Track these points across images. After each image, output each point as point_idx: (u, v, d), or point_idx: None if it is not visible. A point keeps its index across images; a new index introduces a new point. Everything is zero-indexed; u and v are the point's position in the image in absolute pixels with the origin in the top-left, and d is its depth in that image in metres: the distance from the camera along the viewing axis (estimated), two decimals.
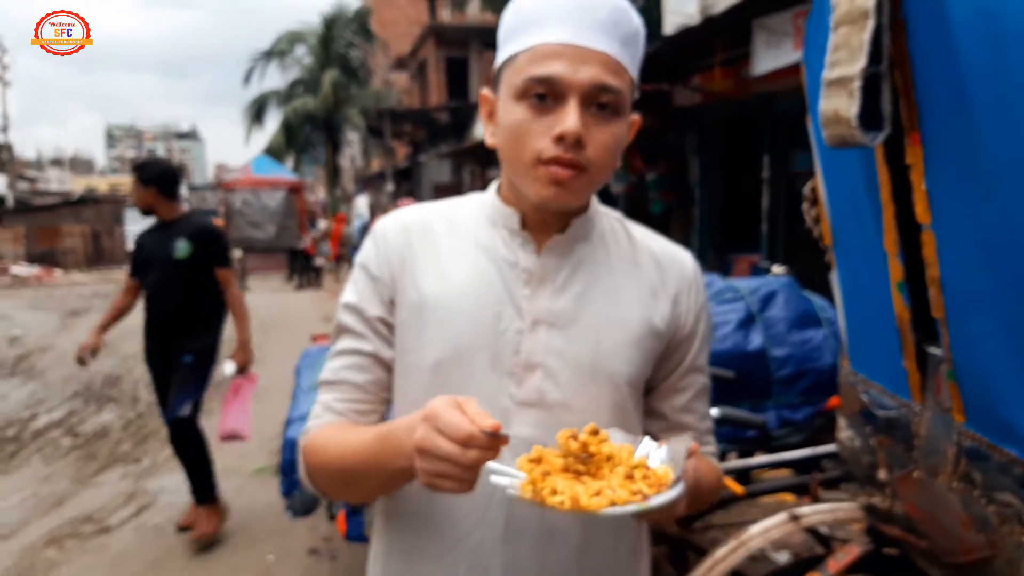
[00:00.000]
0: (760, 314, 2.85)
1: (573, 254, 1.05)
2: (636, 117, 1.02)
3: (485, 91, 1.05)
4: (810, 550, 2.55)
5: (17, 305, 14.35)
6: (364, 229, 17.50)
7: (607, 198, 9.40)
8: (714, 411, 2.35)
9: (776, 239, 8.28)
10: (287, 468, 2.57)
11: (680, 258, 1.12)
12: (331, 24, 27.21)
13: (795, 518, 1.94)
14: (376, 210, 22.57)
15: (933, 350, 1.51)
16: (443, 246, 1.06)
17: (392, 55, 29.95)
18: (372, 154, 31.69)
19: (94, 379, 7.36)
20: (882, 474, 1.76)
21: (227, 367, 3.93)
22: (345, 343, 1.07)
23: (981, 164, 1.22)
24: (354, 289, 1.08)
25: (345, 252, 19.18)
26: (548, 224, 1.04)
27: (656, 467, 0.85)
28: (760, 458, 2.60)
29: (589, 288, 1.04)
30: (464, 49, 23.44)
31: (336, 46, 27.42)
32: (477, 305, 1.01)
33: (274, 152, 26.69)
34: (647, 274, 1.08)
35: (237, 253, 18.91)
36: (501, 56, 1.00)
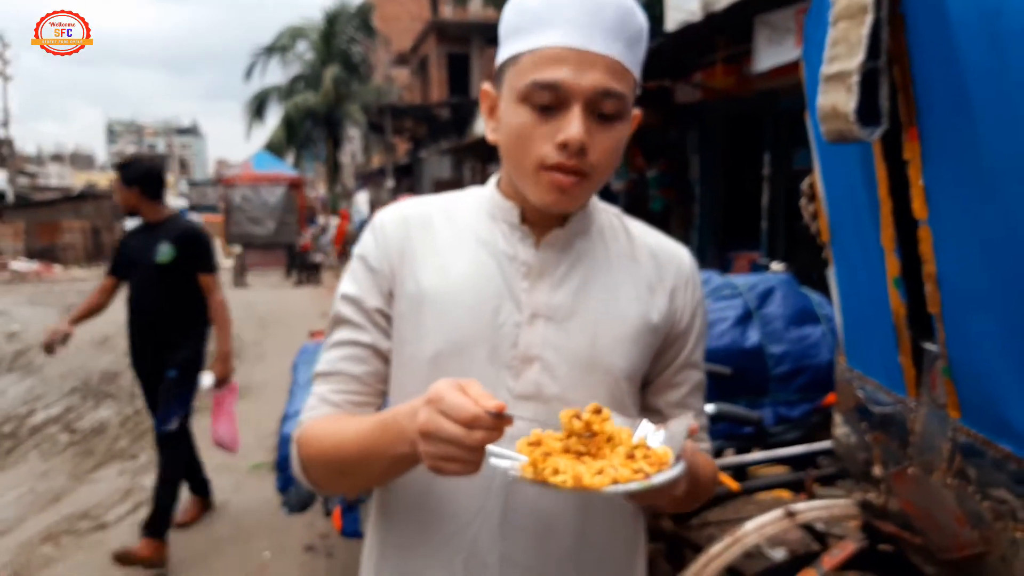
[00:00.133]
0: (758, 311, 2.84)
1: (572, 249, 1.05)
2: (637, 112, 1.01)
3: (486, 86, 1.04)
4: (806, 546, 2.55)
5: (16, 301, 14.35)
6: (363, 225, 17.50)
7: (607, 195, 9.36)
8: (711, 407, 2.35)
9: (776, 236, 8.28)
10: (283, 464, 2.57)
11: (677, 254, 1.12)
12: (333, 19, 27.21)
13: (791, 514, 1.94)
14: (376, 206, 22.57)
15: (929, 346, 1.51)
16: (442, 239, 1.06)
17: (393, 51, 29.93)
18: (373, 150, 31.69)
19: (92, 375, 7.37)
20: (877, 470, 1.75)
21: (205, 379, 3.78)
22: (342, 334, 1.07)
23: (979, 160, 1.21)
24: (353, 280, 1.08)
25: (350, 249, 19.19)
26: (547, 219, 1.04)
27: (656, 447, 0.85)
28: (756, 454, 2.60)
29: (587, 282, 1.04)
30: (466, 45, 23.43)
31: (338, 42, 27.43)
32: (476, 298, 1.01)
33: (275, 148, 26.69)
34: (645, 269, 1.08)
35: (236, 249, 18.98)
36: (504, 53, 0.99)
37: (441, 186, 22.10)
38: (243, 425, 5.33)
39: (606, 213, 1.12)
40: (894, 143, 1.41)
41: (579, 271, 1.04)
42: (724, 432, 2.59)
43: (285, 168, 22.69)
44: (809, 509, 1.97)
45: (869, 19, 1.29)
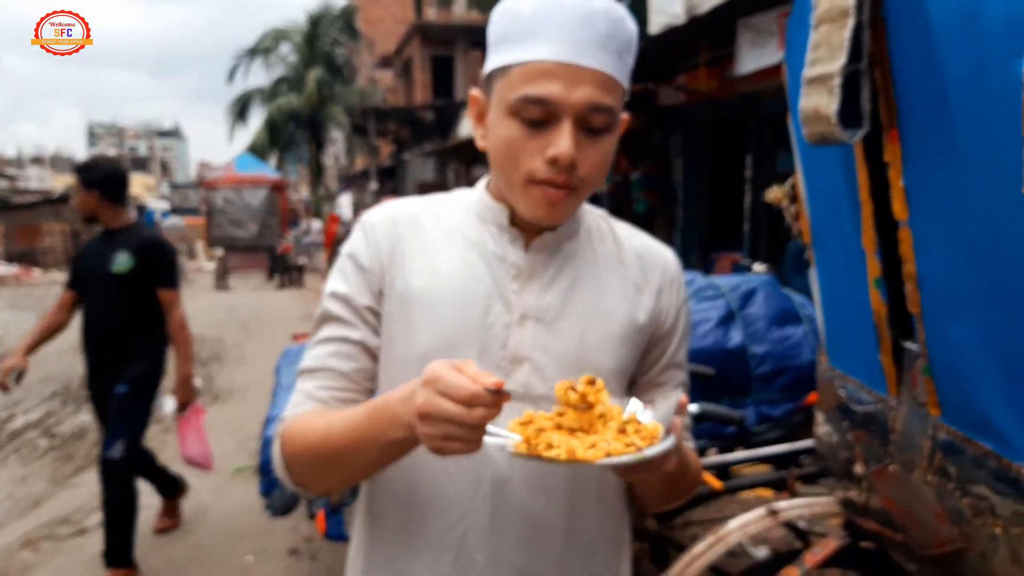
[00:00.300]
0: (740, 311, 2.86)
1: (561, 251, 1.06)
2: (625, 116, 1.02)
3: (475, 92, 1.04)
4: (788, 544, 2.56)
5: None
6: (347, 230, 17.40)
7: (591, 197, 9.39)
8: (694, 407, 2.36)
9: (758, 238, 8.34)
10: (266, 468, 2.55)
11: (663, 254, 1.14)
12: (316, 22, 27.15)
13: (773, 513, 1.95)
14: (359, 209, 22.49)
15: (909, 345, 1.53)
16: (432, 240, 1.06)
17: (377, 53, 29.86)
18: (356, 152, 31.61)
19: (71, 380, 7.28)
20: (859, 468, 1.77)
21: (166, 405, 3.57)
22: (330, 331, 1.07)
23: (958, 162, 1.23)
24: (342, 278, 1.08)
25: (339, 252, 18.99)
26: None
27: (647, 422, 0.86)
28: (739, 453, 2.62)
29: (575, 284, 1.05)
30: (450, 48, 23.41)
31: (321, 44, 27.36)
32: (466, 298, 1.02)
33: (257, 150, 26.58)
34: (631, 270, 1.10)
35: (218, 252, 18.84)
36: (493, 62, 0.98)
37: (425, 188, 22.07)
38: (225, 429, 5.32)
39: (593, 216, 1.13)
40: (875, 145, 1.43)
41: (568, 273, 1.05)
42: (707, 432, 2.61)
43: (268, 170, 22.55)
44: (792, 507, 1.99)
45: (851, 22, 1.30)
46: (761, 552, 2.93)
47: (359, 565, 1.11)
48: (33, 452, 5.32)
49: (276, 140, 27.59)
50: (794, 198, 1.99)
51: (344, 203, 22.81)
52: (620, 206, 9.85)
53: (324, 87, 26.11)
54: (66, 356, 8.00)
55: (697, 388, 2.59)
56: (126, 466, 3.35)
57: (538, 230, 1.05)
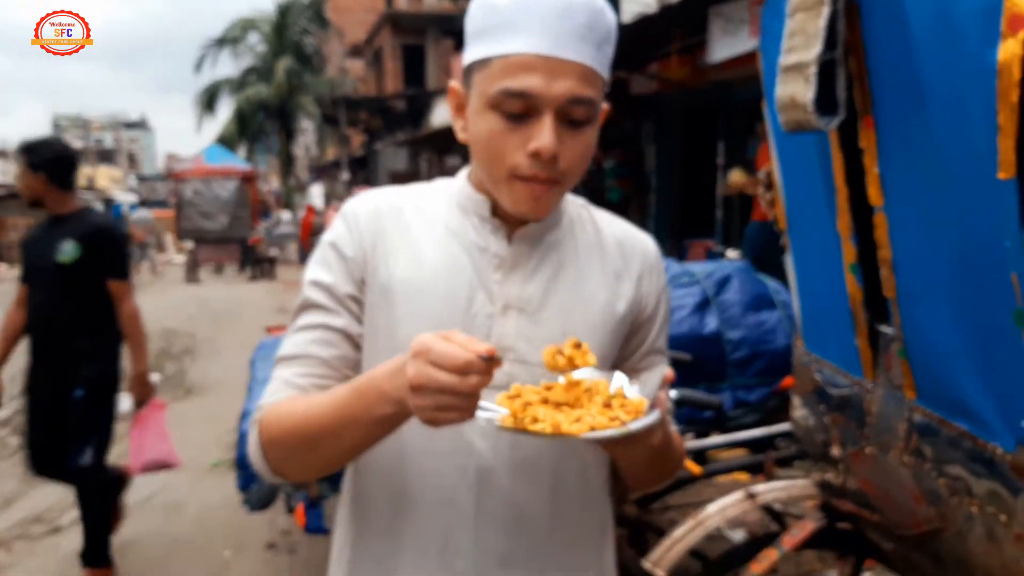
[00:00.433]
0: (715, 298, 2.89)
1: (543, 241, 1.06)
2: (605, 107, 1.02)
3: (454, 84, 1.04)
4: (766, 528, 2.60)
5: None
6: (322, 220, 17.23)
7: None
8: (672, 393, 2.38)
9: (731, 225, 8.41)
10: (243, 462, 2.53)
11: (642, 241, 1.15)
12: (285, 11, 26.81)
13: (751, 496, 1.98)
14: (331, 199, 22.31)
15: (885, 329, 1.55)
16: (414, 231, 1.06)
17: (347, 42, 29.54)
18: (327, 142, 31.31)
19: None
20: (835, 451, 1.80)
21: (122, 403, 3.34)
22: (311, 318, 1.05)
23: (932, 149, 1.25)
24: (323, 266, 1.06)
25: (315, 243, 18.81)
26: None
27: (632, 397, 0.87)
28: (716, 438, 2.65)
29: (557, 274, 1.05)
30: (421, 36, 23.23)
31: (290, 33, 27.04)
32: (449, 289, 1.02)
33: (227, 141, 26.19)
34: (612, 258, 1.10)
35: (188, 244, 18.58)
36: (472, 54, 0.98)
37: (397, 178, 21.95)
38: (200, 423, 5.26)
39: (574, 205, 1.13)
40: (850, 132, 1.44)
41: (550, 263, 1.05)
42: (685, 417, 2.63)
43: (237, 161, 22.23)
44: (769, 490, 2.02)
45: (826, 11, 1.31)
46: (739, 536, 2.97)
47: (345, 557, 1.10)
48: (3, 450, 5.21)
49: (245, 131, 27.25)
50: (769, 185, 2.01)
51: (315, 193, 22.57)
52: (593, 194, 9.87)
53: (293, 77, 25.81)
54: None
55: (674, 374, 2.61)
56: (98, 471, 3.22)
57: (520, 221, 1.05)
